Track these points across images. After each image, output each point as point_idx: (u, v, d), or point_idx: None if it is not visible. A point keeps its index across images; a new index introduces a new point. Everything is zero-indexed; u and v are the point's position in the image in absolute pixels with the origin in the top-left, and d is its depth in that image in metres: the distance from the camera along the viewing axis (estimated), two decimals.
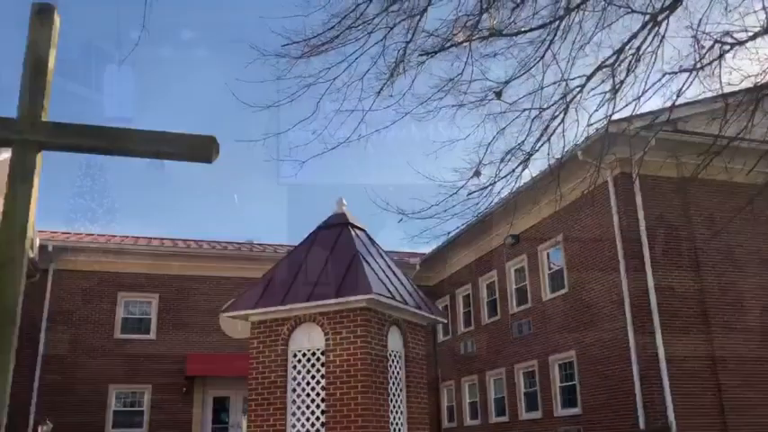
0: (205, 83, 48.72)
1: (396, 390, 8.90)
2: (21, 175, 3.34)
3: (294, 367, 8.64)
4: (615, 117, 7.15)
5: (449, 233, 8.63)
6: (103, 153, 3.54)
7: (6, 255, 3.04)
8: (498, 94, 7.26)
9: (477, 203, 7.46)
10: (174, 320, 20.51)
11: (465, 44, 6.66)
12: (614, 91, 6.72)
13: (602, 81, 6.87)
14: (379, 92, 6.90)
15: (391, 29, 6.37)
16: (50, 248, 19.30)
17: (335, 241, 9.61)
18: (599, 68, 6.80)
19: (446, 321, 13.26)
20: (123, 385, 19.70)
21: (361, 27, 6.20)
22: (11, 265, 3.03)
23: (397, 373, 9.03)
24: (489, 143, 7.36)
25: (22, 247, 3.12)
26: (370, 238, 10.26)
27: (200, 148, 3.46)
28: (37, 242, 18.58)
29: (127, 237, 22.48)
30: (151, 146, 3.46)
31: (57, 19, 3.68)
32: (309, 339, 8.67)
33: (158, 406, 19.69)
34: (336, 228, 9.93)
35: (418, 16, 6.40)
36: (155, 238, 22.53)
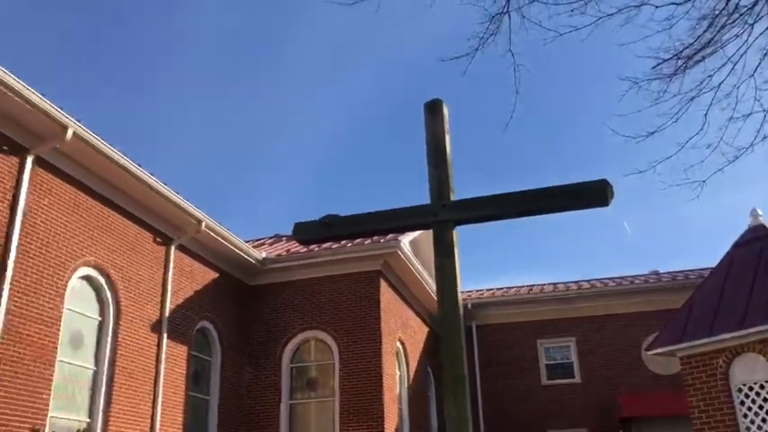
0: (583, 123, 48.87)
1: None
2: (443, 251, 3.77)
3: (742, 403, 7.76)
4: None
5: None
6: (508, 218, 3.80)
7: (448, 325, 3.44)
8: None
9: None
10: (595, 362, 20.37)
11: None
12: None
13: None
14: None
15: None
16: (470, 306, 21.17)
17: (759, 257, 8.52)
18: None
19: None
20: (561, 430, 20.10)
21: (738, 21, 5.58)
22: (454, 333, 3.42)
23: None
24: None
25: (459, 314, 3.51)
26: None
27: (596, 194, 3.48)
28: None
29: (533, 286, 23.39)
30: (548, 202, 3.60)
31: (445, 109, 4.16)
32: (753, 370, 7.72)
33: None
34: (756, 243, 8.81)
35: None
36: (558, 283, 22.95)
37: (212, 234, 13.14)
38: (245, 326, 14.83)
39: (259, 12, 43.12)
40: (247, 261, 14.56)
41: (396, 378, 15.13)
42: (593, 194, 3.52)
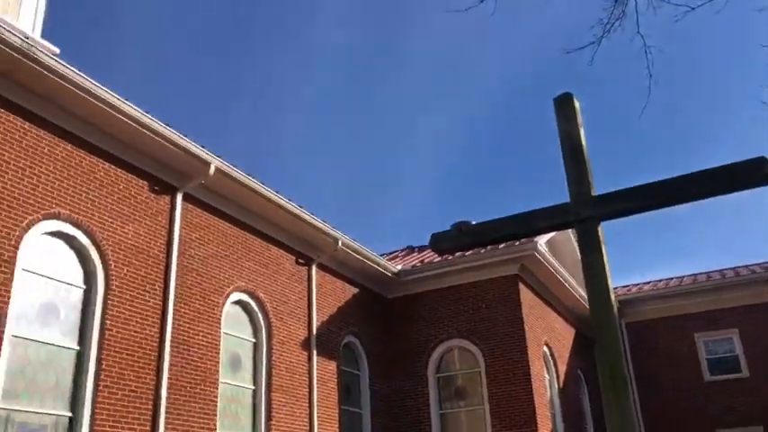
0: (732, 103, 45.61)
1: None
2: (589, 249, 3.63)
3: None
4: None
5: None
6: (657, 208, 3.60)
7: (603, 326, 3.31)
8: None
9: None
10: (764, 353, 18.77)
11: None
12: None
13: None
14: None
15: None
16: (617, 304, 20.23)
17: None
18: None
19: None
20: (732, 429, 18.67)
21: None
22: (609, 334, 3.28)
23: None
24: None
25: (613, 314, 3.36)
26: None
27: (754, 174, 3.23)
28: None
29: (683, 277, 21.97)
30: (701, 187, 3.38)
31: (576, 103, 4.02)
32: None
33: None
34: None
35: None
36: (712, 272, 21.40)
37: (349, 251, 13.50)
38: (387, 338, 15.07)
39: (375, 27, 44.04)
40: (384, 275, 14.81)
41: (545, 382, 14.74)
42: (751, 174, 3.27)
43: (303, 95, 42.59)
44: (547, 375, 15.09)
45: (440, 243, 4.21)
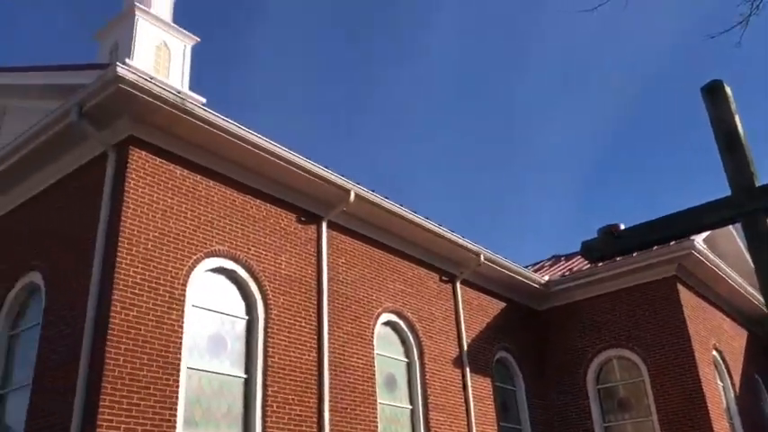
0: None
1: None
2: (758, 244, 3.36)
3: None
4: None
5: None
6: None
7: None
8: None
9: None
10: None
11: None
12: None
13: None
14: None
15: None
16: None
17: None
18: None
19: None
20: None
21: None
22: None
23: None
24: None
25: None
26: None
27: None
28: None
29: None
30: None
31: (727, 89, 3.76)
32: None
33: None
34: None
35: None
36: None
37: (492, 265, 13.35)
38: (541, 351, 14.68)
39: (497, 32, 43.72)
40: (531, 286, 14.48)
41: (719, 390, 13.67)
42: None
43: (425, 105, 42.94)
44: (720, 382, 14.00)
45: (592, 251, 4.04)
